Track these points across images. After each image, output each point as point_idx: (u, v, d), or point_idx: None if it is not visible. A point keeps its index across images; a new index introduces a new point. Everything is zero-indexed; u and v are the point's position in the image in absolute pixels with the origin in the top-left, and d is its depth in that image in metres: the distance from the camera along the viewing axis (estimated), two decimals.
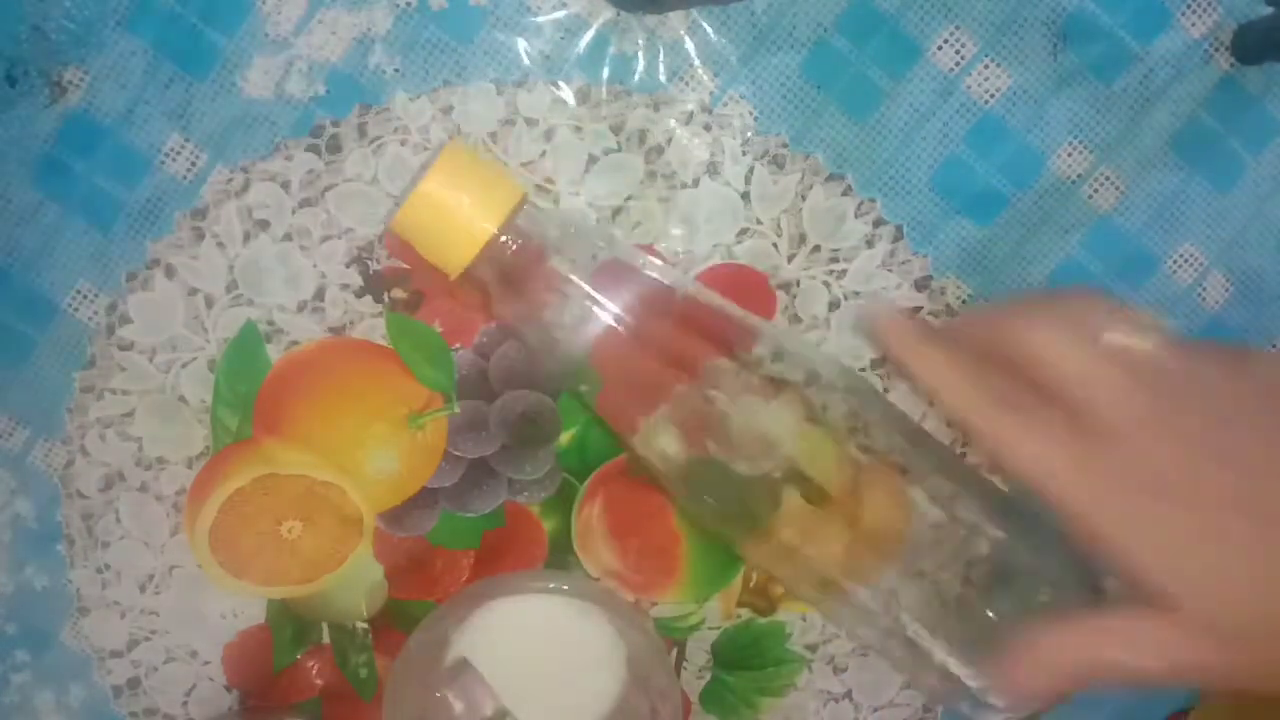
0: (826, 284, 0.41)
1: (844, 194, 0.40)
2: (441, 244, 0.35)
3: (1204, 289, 0.42)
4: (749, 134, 0.39)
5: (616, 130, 0.39)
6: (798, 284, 0.40)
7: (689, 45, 0.38)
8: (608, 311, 0.35)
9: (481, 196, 0.34)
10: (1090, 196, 0.40)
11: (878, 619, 0.36)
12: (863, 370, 0.41)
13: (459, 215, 0.34)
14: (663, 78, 0.38)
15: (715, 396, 0.36)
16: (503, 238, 0.35)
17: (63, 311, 0.40)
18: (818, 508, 0.36)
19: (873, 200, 0.40)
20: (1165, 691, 0.46)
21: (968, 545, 0.35)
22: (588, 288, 0.35)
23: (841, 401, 0.36)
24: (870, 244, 0.40)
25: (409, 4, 0.37)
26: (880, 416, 0.37)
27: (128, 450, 0.41)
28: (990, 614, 0.35)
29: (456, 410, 0.41)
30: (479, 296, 0.40)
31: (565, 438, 0.42)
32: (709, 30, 0.38)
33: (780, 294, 0.40)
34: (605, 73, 0.38)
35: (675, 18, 0.38)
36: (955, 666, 0.35)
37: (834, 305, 0.41)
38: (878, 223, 0.40)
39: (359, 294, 0.40)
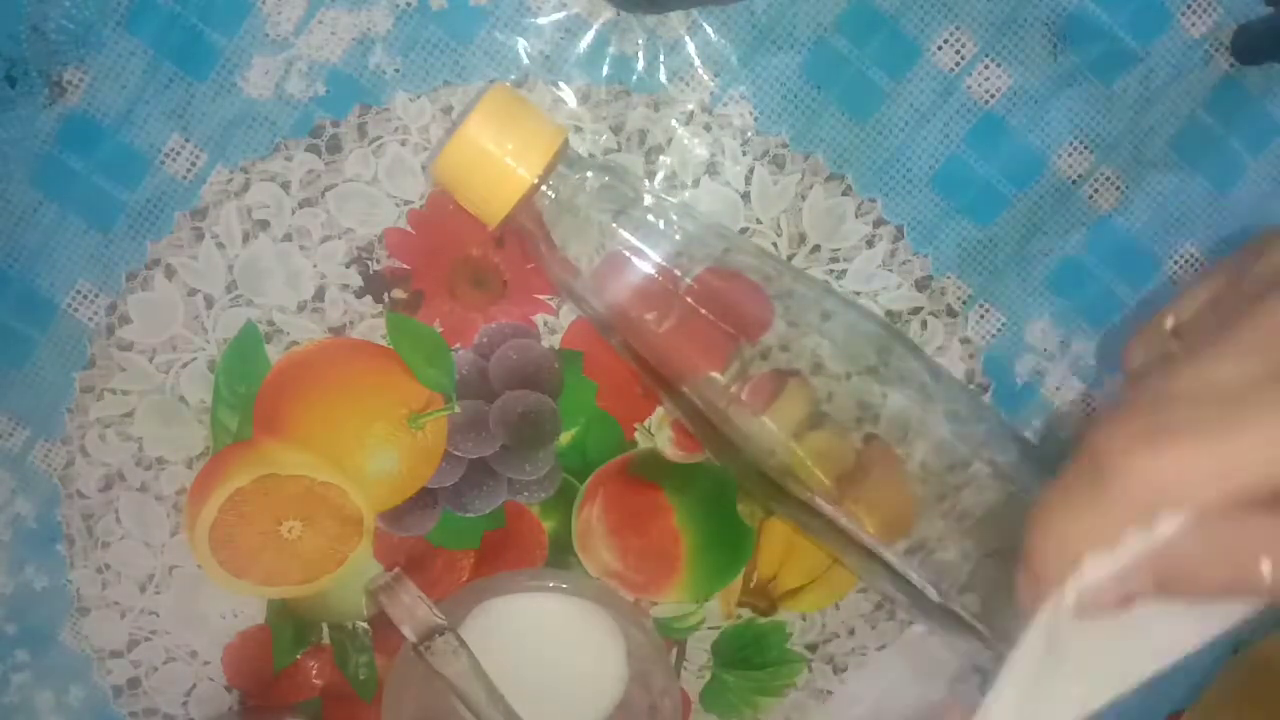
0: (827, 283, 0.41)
1: (844, 194, 0.40)
2: (482, 190, 0.35)
3: None
4: (749, 134, 0.39)
5: (616, 130, 0.39)
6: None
7: (689, 45, 0.38)
8: (650, 261, 0.35)
9: (524, 140, 0.34)
10: (1090, 196, 0.40)
11: (902, 581, 0.37)
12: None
13: (500, 160, 0.34)
14: (663, 78, 0.38)
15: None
16: (543, 186, 0.35)
17: (63, 311, 0.40)
18: (821, 495, 0.36)
19: (873, 200, 0.40)
20: (1165, 691, 0.46)
21: (981, 498, 0.35)
22: (630, 238, 0.35)
23: (848, 388, 0.36)
24: (870, 244, 0.40)
25: (409, 4, 0.37)
26: (896, 377, 0.37)
27: (128, 450, 0.41)
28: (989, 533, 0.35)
29: (456, 410, 0.41)
30: (518, 246, 0.40)
31: (565, 438, 0.42)
32: (709, 30, 0.38)
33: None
34: (605, 73, 0.38)
35: (675, 18, 0.38)
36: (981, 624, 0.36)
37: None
38: (878, 223, 0.40)
39: (359, 294, 0.40)
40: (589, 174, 0.36)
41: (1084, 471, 0.25)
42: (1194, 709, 0.46)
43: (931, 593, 0.37)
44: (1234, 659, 0.45)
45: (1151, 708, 0.46)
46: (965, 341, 0.41)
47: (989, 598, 0.36)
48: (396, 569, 0.41)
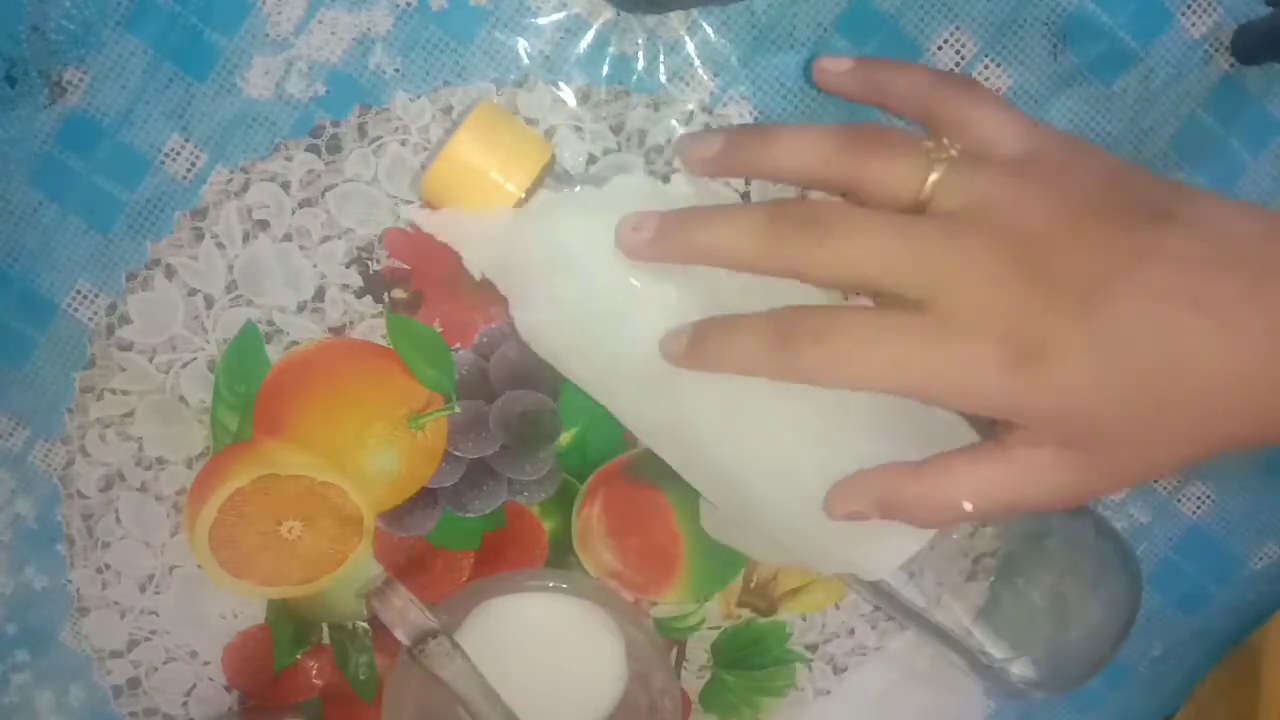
0: None
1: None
2: (471, 203, 0.35)
3: None
4: None
5: (616, 130, 0.39)
6: None
7: (689, 45, 0.38)
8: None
9: (510, 157, 0.34)
10: None
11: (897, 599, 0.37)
12: None
13: (486, 177, 0.34)
14: (663, 78, 0.38)
15: None
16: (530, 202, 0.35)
17: (63, 311, 0.40)
18: None
19: None
20: (1160, 695, 0.46)
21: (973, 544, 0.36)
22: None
23: None
24: None
25: (409, 4, 0.37)
26: None
27: (128, 450, 0.41)
28: (1020, 582, 0.36)
29: (456, 410, 0.41)
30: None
31: (565, 438, 0.42)
32: (709, 30, 0.38)
33: None
34: (605, 73, 0.38)
35: (675, 18, 0.38)
36: (987, 643, 0.36)
37: None
38: None
39: (359, 294, 0.40)
40: (577, 189, 0.36)
41: (775, 329, 0.32)
42: (1189, 703, 0.46)
43: (919, 600, 0.37)
44: (1227, 653, 0.45)
45: (1149, 709, 0.46)
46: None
47: (976, 608, 0.36)
48: (386, 574, 0.41)
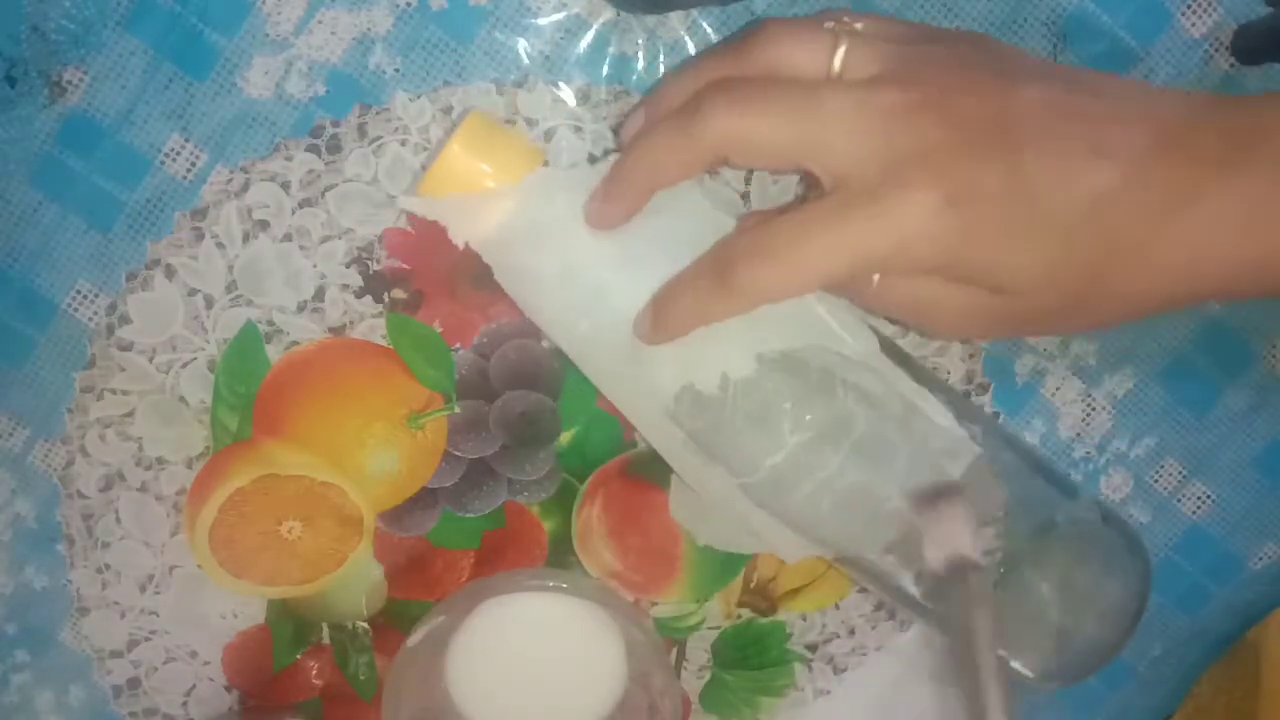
0: None
1: None
2: None
3: None
4: None
5: (616, 130, 0.39)
6: None
7: (689, 45, 0.38)
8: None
9: (503, 165, 0.35)
10: None
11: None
12: None
13: (480, 184, 0.35)
14: None
15: None
16: None
17: (63, 311, 0.40)
18: None
19: None
20: (1160, 695, 0.46)
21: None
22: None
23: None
24: None
25: (409, 4, 0.37)
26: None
27: (128, 450, 0.41)
28: (1028, 576, 0.36)
29: (456, 410, 0.41)
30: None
31: (565, 438, 0.42)
32: (709, 30, 0.38)
33: None
34: (605, 73, 0.38)
35: (675, 18, 0.38)
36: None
37: None
38: None
39: (359, 294, 0.40)
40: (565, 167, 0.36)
41: (711, 269, 0.32)
42: (1188, 701, 0.46)
43: (914, 591, 0.37)
44: (1226, 651, 0.46)
45: (1149, 708, 0.46)
46: (965, 341, 0.41)
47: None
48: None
